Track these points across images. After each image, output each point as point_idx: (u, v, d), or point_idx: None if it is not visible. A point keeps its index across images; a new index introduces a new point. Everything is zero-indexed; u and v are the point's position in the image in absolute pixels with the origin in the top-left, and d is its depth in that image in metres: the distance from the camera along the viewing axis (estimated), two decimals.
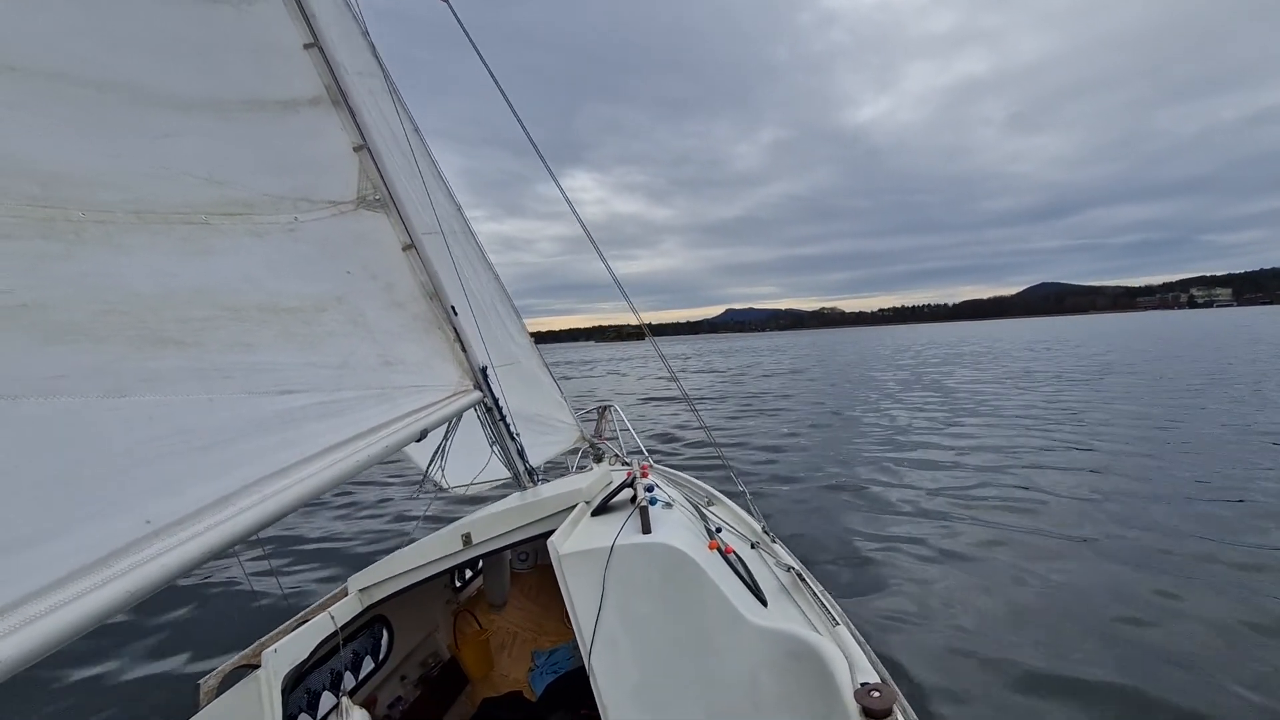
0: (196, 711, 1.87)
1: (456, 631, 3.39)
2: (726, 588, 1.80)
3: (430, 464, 3.16)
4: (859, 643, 1.96)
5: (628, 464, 4.02)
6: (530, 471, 3.40)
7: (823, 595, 2.24)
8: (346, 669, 2.62)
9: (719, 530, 2.36)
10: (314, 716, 2.41)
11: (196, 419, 1.62)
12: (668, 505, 2.30)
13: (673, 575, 1.76)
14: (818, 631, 1.80)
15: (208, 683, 1.99)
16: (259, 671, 1.80)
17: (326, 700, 2.51)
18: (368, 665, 2.74)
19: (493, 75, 3.78)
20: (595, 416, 5.46)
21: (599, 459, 5.15)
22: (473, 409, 3.29)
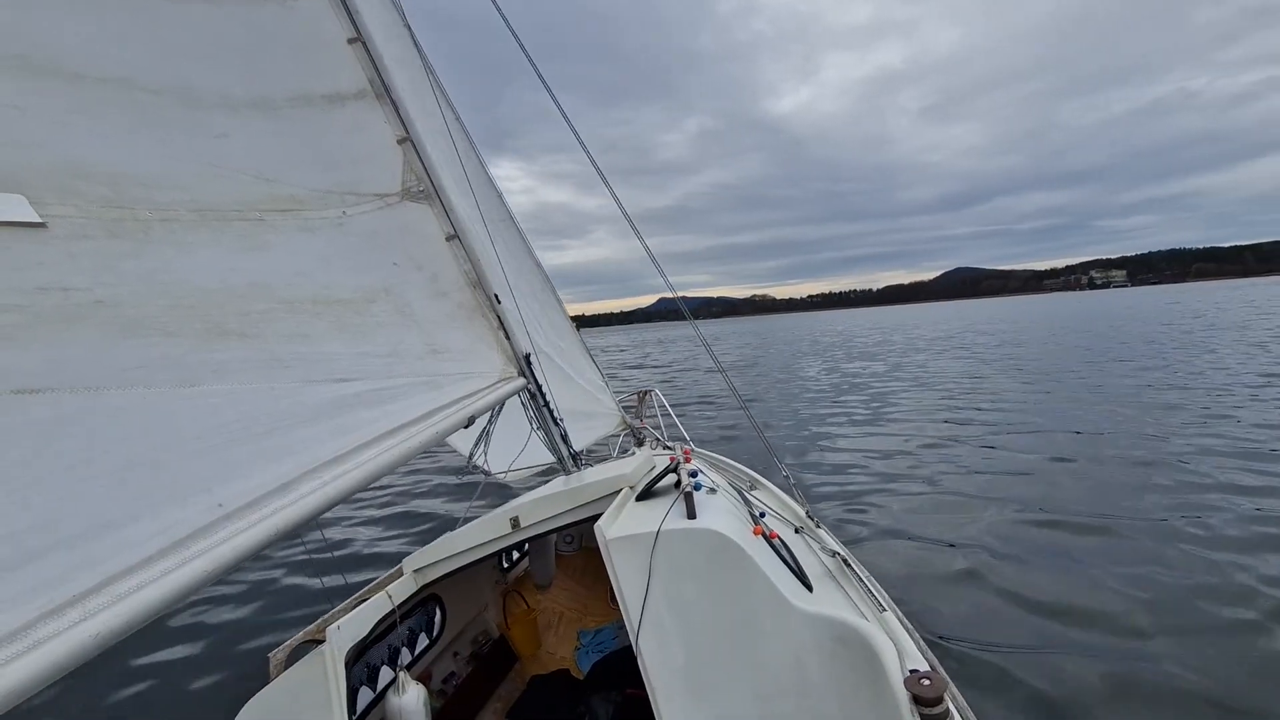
0: (267, 682, 1.98)
1: (506, 611, 3.49)
2: (772, 573, 1.80)
3: (474, 449, 3.23)
4: (906, 629, 1.94)
5: (669, 449, 4.04)
6: (574, 456, 3.45)
7: (869, 580, 2.22)
8: (403, 645, 2.73)
9: (763, 515, 2.36)
10: (374, 689, 2.52)
11: (260, 407, 1.70)
12: (712, 490, 2.31)
13: (718, 560, 1.77)
14: (865, 617, 1.79)
15: (276, 656, 2.10)
16: (324, 646, 1.89)
17: (385, 674, 2.62)
18: (422, 642, 2.84)
19: (535, 68, 3.80)
20: (635, 402, 5.48)
21: (640, 443, 5.19)
22: (517, 395, 3.35)
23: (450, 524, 3.34)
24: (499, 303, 3.18)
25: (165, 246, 1.77)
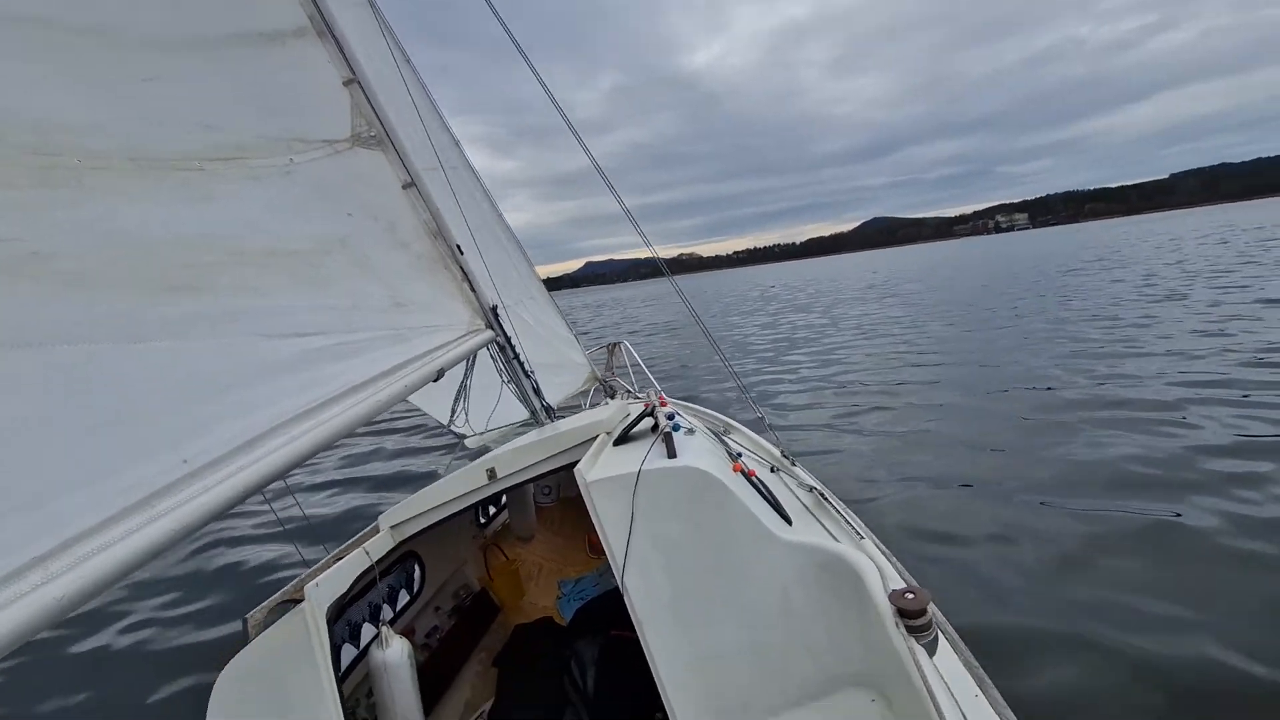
0: (246, 643, 1.96)
1: (487, 564, 3.50)
2: (754, 507, 1.83)
3: (455, 405, 3.18)
4: (885, 554, 2.01)
5: (641, 398, 4.05)
6: (547, 409, 3.43)
7: (845, 512, 2.28)
8: (384, 602, 2.72)
9: (739, 455, 2.40)
10: (356, 646, 2.52)
11: (216, 363, 1.62)
12: (690, 431, 2.32)
13: (700, 497, 1.79)
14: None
15: (254, 616, 2.07)
16: (303, 605, 1.86)
17: (367, 631, 2.62)
18: (403, 598, 2.84)
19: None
20: (605, 355, 5.46)
21: (611, 396, 5.19)
22: (485, 349, 3.29)
23: (425, 481, 3.31)
24: (462, 254, 3.09)
25: (102, 196, 1.65)
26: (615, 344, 5.44)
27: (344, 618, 2.42)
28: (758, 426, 3.36)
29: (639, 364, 5.08)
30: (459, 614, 3.23)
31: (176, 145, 1.99)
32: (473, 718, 2.75)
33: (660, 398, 2.73)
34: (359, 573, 2.10)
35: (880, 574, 1.53)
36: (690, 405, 3.84)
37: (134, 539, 1.18)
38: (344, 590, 2.00)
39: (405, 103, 3.47)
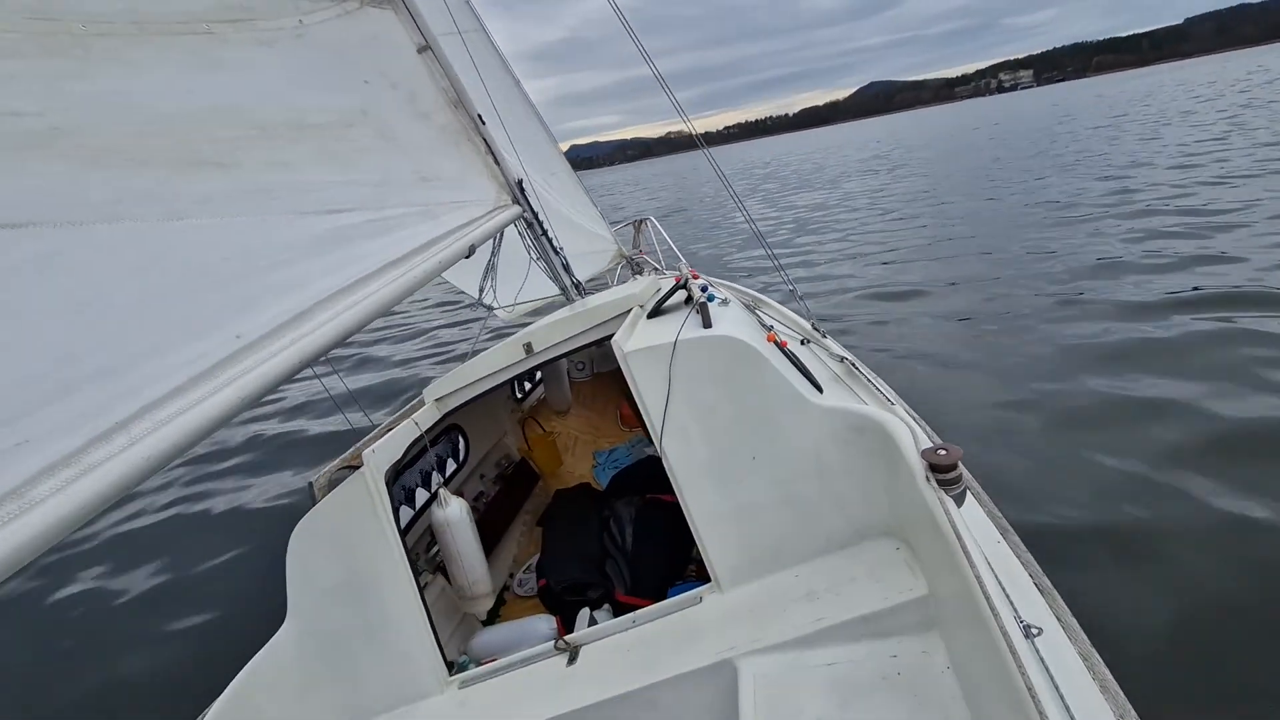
0: (314, 504, 2.12)
1: (525, 436, 3.67)
2: (788, 375, 1.85)
3: (483, 281, 3.19)
4: (915, 419, 2.04)
5: (669, 274, 4.01)
6: (577, 285, 3.43)
7: (876, 380, 2.30)
8: (434, 469, 2.89)
9: (771, 327, 2.39)
10: (413, 508, 2.72)
11: (256, 240, 1.62)
12: (724, 303, 2.31)
13: (736, 364, 1.81)
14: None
15: (318, 481, 2.23)
16: (362, 469, 1.99)
17: (421, 495, 2.81)
18: (450, 466, 3.02)
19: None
20: (632, 231, 5.35)
21: (639, 272, 5.15)
22: (513, 224, 3.24)
23: (461, 359, 3.40)
24: (484, 124, 2.96)
25: (110, 65, 1.58)
26: (642, 220, 5.31)
27: (399, 482, 2.59)
28: (787, 300, 3.32)
29: (666, 240, 4.98)
30: (502, 480, 3.43)
31: (179, 5, 1.87)
32: (520, 570, 3.01)
33: (692, 272, 2.69)
34: (410, 441, 2.22)
35: (912, 433, 1.56)
36: (720, 281, 3.80)
37: (205, 406, 1.24)
38: (398, 457, 2.12)
39: None
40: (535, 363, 2.38)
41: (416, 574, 2.01)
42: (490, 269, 3.15)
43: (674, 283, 2.58)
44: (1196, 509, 3.02)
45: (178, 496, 5.72)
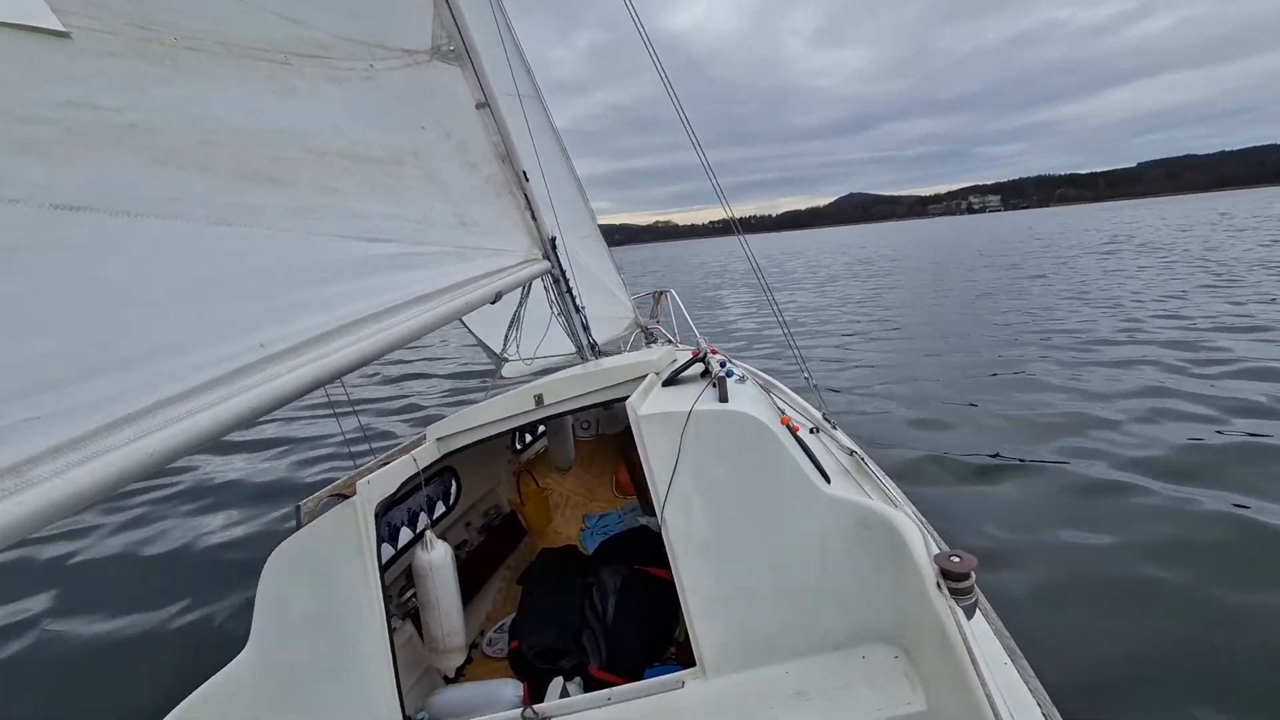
0: (299, 528, 2.07)
1: (519, 488, 3.61)
2: (799, 460, 1.83)
3: (509, 332, 3.23)
4: (921, 520, 2.00)
5: (683, 347, 4.05)
6: (593, 346, 3.46)
7: (883, 477, 2.27)
8: (422, 510, 2.83)
9: (783, 411, 2.38)
10: (394, 547, 2.64)
11: (296, 255, 1.66)
12: (741, 380, 2.31)
13: (749, 442, 1.79)
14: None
15: (307, 505, 2.18)
16: (355, 498, 1.95)
17: (404, 534, 2.74)
18: (439, 509, 2.95)
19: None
20: (650, 302, 5.44)
21: (652, 343, 5.19)
22: (540, 279, 3.30)
23: (468, 404, 3.39)
24: (527, 181, 3.07)
25: (194, 77, 1.67)
26: (662, 292, 5.41)
27: (385, 518, 2.53)
28: (800, 387, 3.33)
29: (683, 314, 5.05)
30: (488, 531, 3.35)
31: (264, 34, 1.99)
32: (492, 629, 2.88)
33: (710, 347, 2.71)
34: (405, 477, 2.18)
35: (923, 535, 1.52)
36: (737, 360, 3.83)
37: (217, 410, 1.24)
38: (391, 491, 2.08)
39: (486, 23, 3.41)
40: (543, 415, 2.37)
41: (388, 616, 1.93)
42: (516, 320, 3.19)
43: (691, 355, 2.60)
44: None
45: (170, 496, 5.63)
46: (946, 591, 1.31)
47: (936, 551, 1.45)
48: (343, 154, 2.06)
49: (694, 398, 1.96)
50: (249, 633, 2.01)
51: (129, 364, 1.17)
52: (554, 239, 3.19)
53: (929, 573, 1.39)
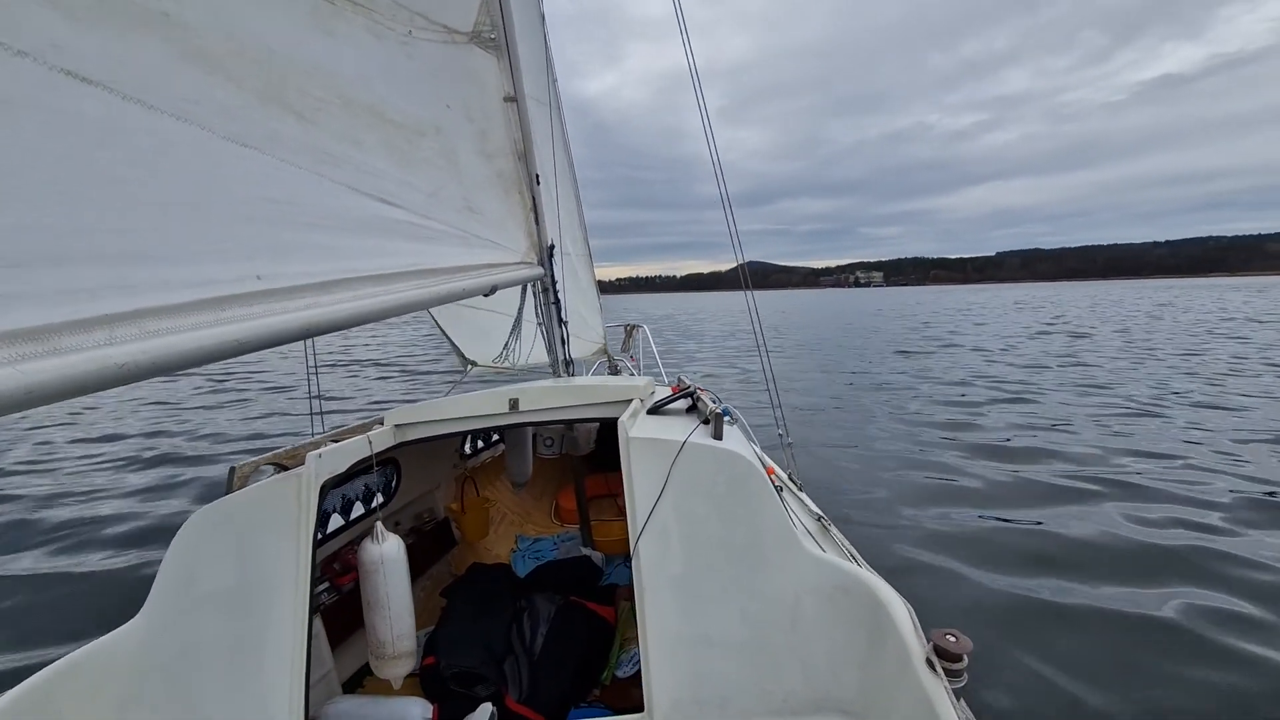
0: (229, 492, 1.86)
1: (462, 496, 3.41)
2: (787, 512, 1.78)
3: (511, 335, 3.13)
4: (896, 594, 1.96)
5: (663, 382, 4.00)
6: (568, 361, 3.36)
7: (846, 544, 2.24)
8: (358, 498, 2.63)
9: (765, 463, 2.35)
10: (322, 533, 2.43)
11: (307, 195, 1.53)
12: (731, 422, 2.27)
13: (739, 485, 1.73)
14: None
15: (243, 469, 1.97)
16: (302, 470, 1.77)
17: (334, 521, 2.53)
18: (376, 500, 2.75)
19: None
20: (622, 333, 5.39)
21: (615, 373, 5.12)
22: (530, 285, 3.21)
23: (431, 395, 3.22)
24: (538, 184, 3.01)
25: None
26: (635, 326, 5.37)
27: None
28: (772, 448, 3.32)
29: (652, 351, 5.02)
30: (417, 535, 3.14)
31: None
32: None
33: (697, 386, 2.67)
34: (358, 459, 2.01)
35: (908, 611, 1.48)
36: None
37: (200, 334, 1.09)
38: (340, 470, 1.91)
39: (527, 23, 3.38)
40: (516, 421, 2.25)
41: (312, 604, 1.74)
42: (518, 324, 3.10)
43: (673, 390, 2.54)
44: None
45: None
46: (941, 671, 1.26)
47: (913, 627, 1.41)
48: (370, 109, 1.95)
49: (685, 430, 1.89)
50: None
51: (111, 261, 1.03)
52: (552, 246, 3.12)
53: (917, 649, 1.34)
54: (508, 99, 2.86)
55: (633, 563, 1.72)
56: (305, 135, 1.60)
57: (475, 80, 2.72)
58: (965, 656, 1.27)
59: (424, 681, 2.32)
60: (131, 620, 1.75)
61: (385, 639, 1.92)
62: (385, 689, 2.20)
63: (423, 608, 2.93)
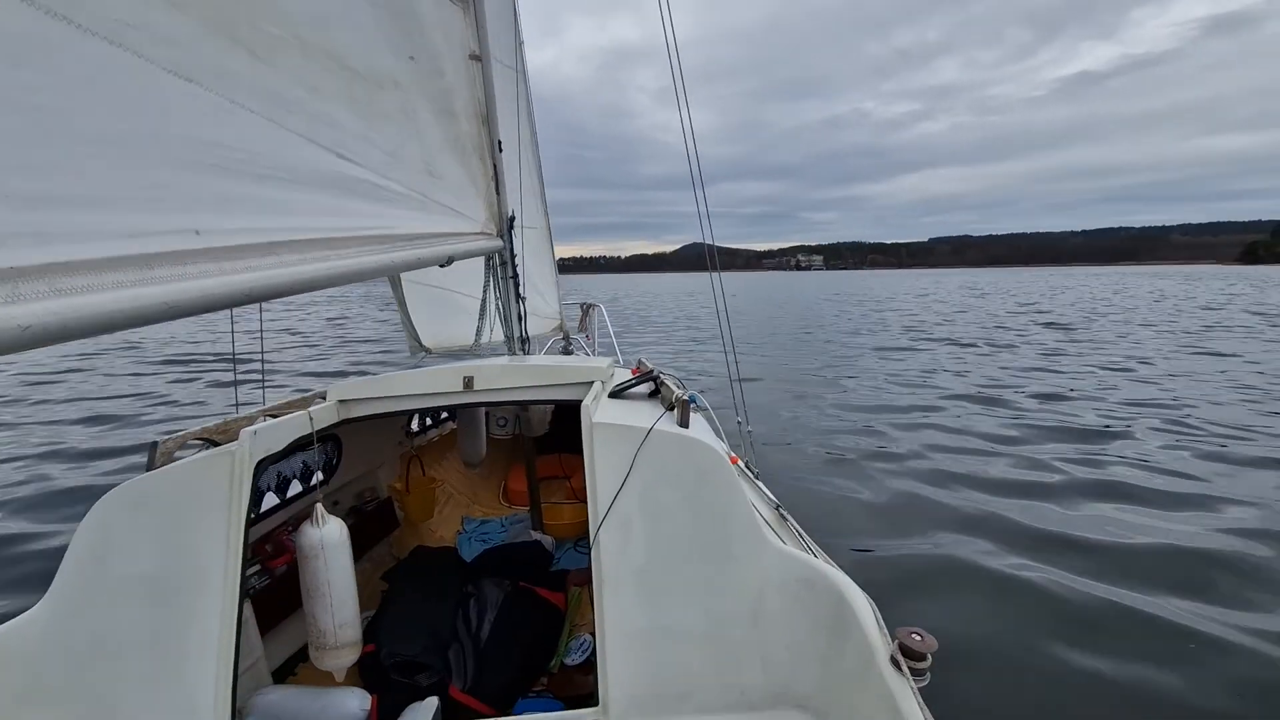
0: (151, 468, 1.68)
1: (408, 477, 3.26)
2: (753, 504, 1.74)
3: (481, 313, 2.98)
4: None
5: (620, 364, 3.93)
6: (524, 340, 3.24)
7: (805, 537, 2.25)
8: (295, 477, 2.46)
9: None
10: (255, 512, 2.26)
11: (258, 142, 1.37)
12: (697, 409, 2.21)
13: (707, 475, 1.69)
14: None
15: (167, 444, 1.79)
16: (234, 446, 1.62)
17: (268, 500, 2.37)
18: (315, 479, 2.58)
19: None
20: (578, 312, 5.27)
21: (568, 353, 5.02)
22: (486, 259, 3.07)
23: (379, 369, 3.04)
24: (500, 151, 2.86)
25: None
26: (592, 305, 5.26)
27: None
28: (732, 433, 3.31)
29: (608, 331, 4.93)
30: (357, 515, 2.98)
31: None
32: None
33: (659, 370, 2.61)
34: (298, 436, 1.86)
35: (871, 607, 1.47)
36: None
37: (122, 294, 0.95)
38: (278, 449, 1.76)
39: None
40: (470, 400, 2.14)
41: (243, 590, 1.60)
42: (485, 303, 2.96)
43: (634, 372, 2.48)
44: None
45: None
46: (907, 670, 1.26)
47: (876, 623, 1.41)
48: (329, 52, 1.77)
49: (650, 416, 1.83)
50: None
51: (19, 204, 0.87)
52: (512, 218, 2.99)
53: (881, 647, 1.34)
54: (473, 57, 2.69)
55: (592, 552, 1.66)
56: (259, 75, 1.43)
57: (440, 33, 2.54)
58: (929, 655, 1.27)
59: (363, 670, 2.20)
60: (28, 611, 1.57)
61: (326, 628, 1.79)
62: (321, 678, 2.07)
63: (362, 592, 2.79)
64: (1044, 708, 2.77)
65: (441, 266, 2.31)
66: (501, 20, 3.41)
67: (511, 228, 3.00)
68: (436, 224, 2.27)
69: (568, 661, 2.38)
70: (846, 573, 1.62)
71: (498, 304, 3.12)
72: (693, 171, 3.49)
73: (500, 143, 2.89)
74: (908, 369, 12.16)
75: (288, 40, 1.58)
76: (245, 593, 2.08)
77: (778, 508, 2.36)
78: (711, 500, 1.68)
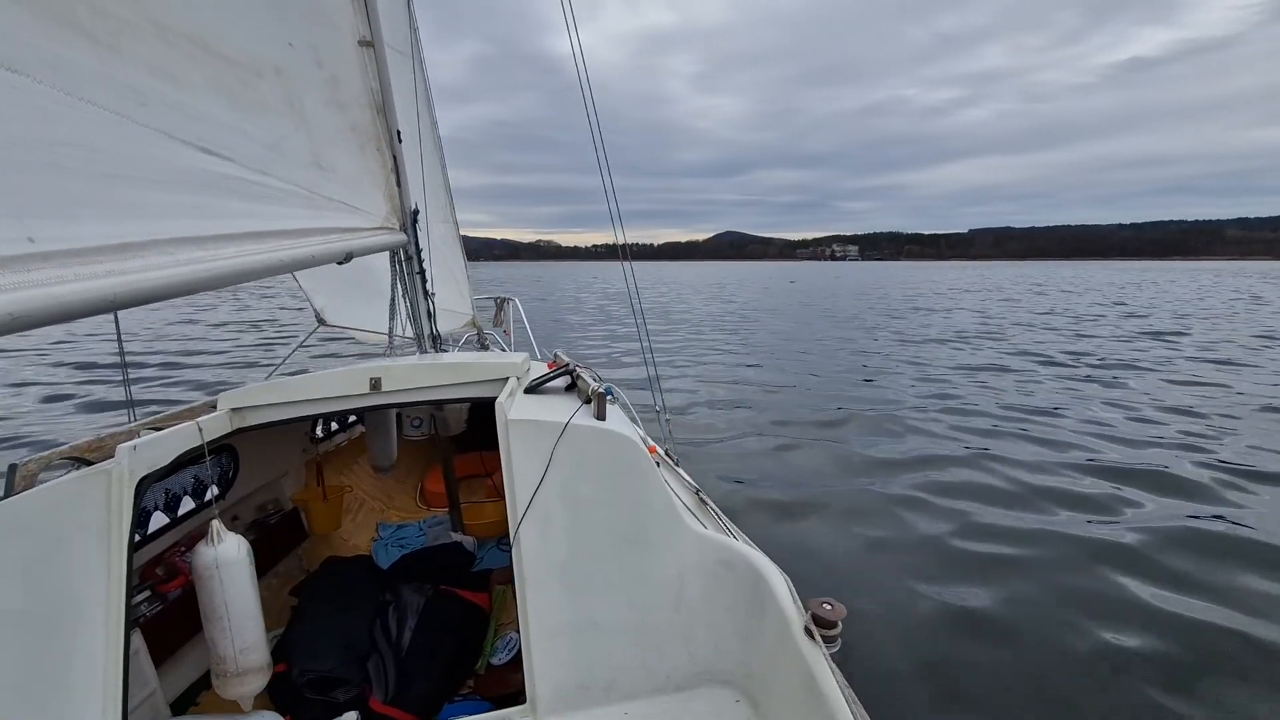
0: (10, 494, 1.53)
1: (321, 484, 3.11)
2: (671, 491, 1.77)
3: (391, 310, 2.85)
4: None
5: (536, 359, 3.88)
6: (435, 337, 3.14)
7: (723, 516, 2.31)
8: (187, 493, 2.30)
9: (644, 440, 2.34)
10: (142, 533, 2.11)
11: (105, 140, 1.26)
12: (613, 401, 2.22)
13: (625, 466, 1.70)
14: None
15: (28, 467, 1.62)
16: (111, 465, 1.49)
17: (156, 520, 2.21)
18: (210, 493, 2.42)
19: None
20: (492, 307, 5.16)
21: (484, 349, 4.91)
22: (391, 254, 2.95)
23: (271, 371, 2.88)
24: (400, 142, 2.75)
25: None
26: (506, 299, 5.16)
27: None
28: (649, 420, 3.34)
29: (524, 325, 4.86)
30: (260, 529, 2.82)
31: None
32: None
33: (574, 363, 2.60)
34: (185, 450, 1.74)
35: (786, 582, 1.53)
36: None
37: None
38: (164, 464, 1.64)
39: None
40: (378, 403, 2.06)
41: (129, 621, 1.49)
42: (395, 299, 2.85)
43: (549, 366, 2.46)
44: None
45: None
46: (820, 639, 1.32)
47: (791, 597, 1.47)
48: (192, 38, 1.64)
49: (566, 410, 1.82)
50: None
51: None
52: (416, 211, 2.88)
53: (796, 619, 1.39)
54: (363, 43, 2.56)
55: (513, 550, 1.65)
56: (103, 65, 1.31)
57: (324, 18, 2.40)
58: (840, 623, 1.34)
59: (274, 692, 2.10)
60: None
61: (227, 654, 1.69)
62: (227, 706, 1.96)
63: (269, 610, 2.65)
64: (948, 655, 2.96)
65: (340, 264, 2.21)
66: (394, 4, 3.27)
67: (416, 221, 2.90)
68: (329, 220, 2.17)
69: (495, 661, 2.35)
70: (764, 551, 1.68)
71: (404, 301, 3.01)
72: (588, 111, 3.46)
73: (399, 133, 2.77)
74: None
75: (139, 24, 1.45)
76: (133, 622, 1.94)
77: (698, 492, 2.41)
78: (630, 490, 1.70)
